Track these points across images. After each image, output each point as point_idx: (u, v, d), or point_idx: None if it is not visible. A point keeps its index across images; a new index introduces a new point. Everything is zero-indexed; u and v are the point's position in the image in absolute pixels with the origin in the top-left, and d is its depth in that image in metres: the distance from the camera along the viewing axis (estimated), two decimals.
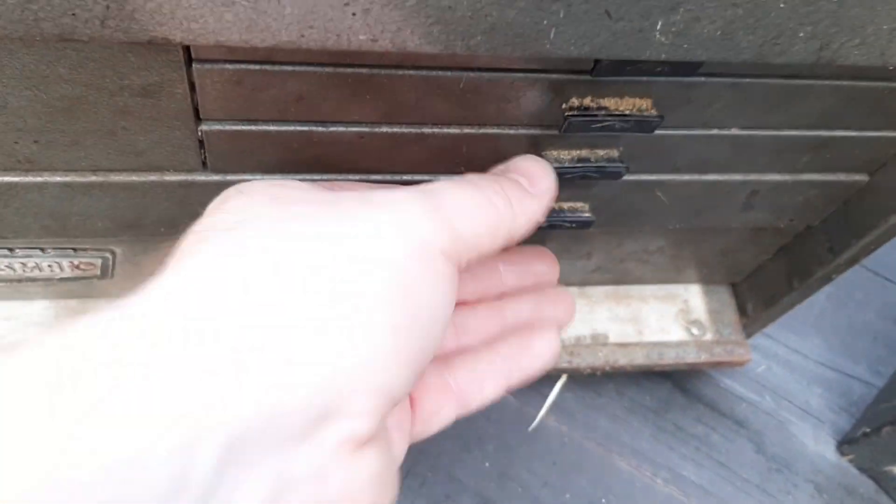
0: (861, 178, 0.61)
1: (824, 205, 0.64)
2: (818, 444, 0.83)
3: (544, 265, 0.54)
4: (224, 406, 0.29)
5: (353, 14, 0.36)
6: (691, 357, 0.74)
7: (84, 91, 0.42)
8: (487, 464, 0.74)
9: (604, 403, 0.81)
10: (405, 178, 0.53)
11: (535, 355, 0.47)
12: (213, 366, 0.30)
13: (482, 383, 0.46)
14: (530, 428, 0.77)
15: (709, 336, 0.76)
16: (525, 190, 0.45)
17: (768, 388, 0.86)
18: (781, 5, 0.37)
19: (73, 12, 0.34)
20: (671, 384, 0.84)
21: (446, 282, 0.37)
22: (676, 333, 0.75)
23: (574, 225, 0.58)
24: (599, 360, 0.72)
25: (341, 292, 0.34)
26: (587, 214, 0.59)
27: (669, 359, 0.73)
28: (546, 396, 0.80)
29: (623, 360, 0.73)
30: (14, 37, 0.35)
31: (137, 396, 0.28)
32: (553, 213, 0.58)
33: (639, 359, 0.73)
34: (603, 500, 0.75)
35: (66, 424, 0.27)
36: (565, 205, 0.59)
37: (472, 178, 0.44)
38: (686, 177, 0.58)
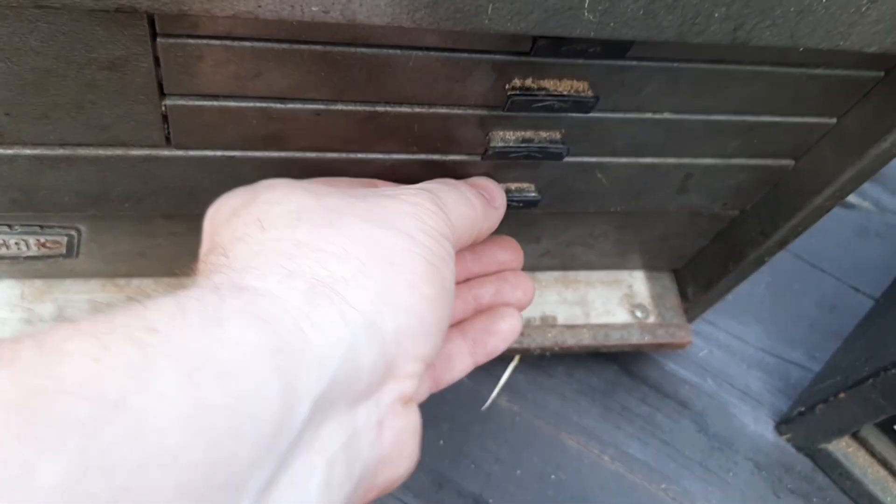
0: (787, 162, 0.66)
1: (755, 189, 0.68)
2: (757, 425, 0.87)
3: (508, 254, 0.59)
4: (319, 364, 0.34)
5: None
6: (635, 338, 0.78)
7: (54, 63, 0.45)
8: (442, 441, 0.77)
9: (554, 385, 0.85)
10: (360, 156, 0.57)
11: (499, 335, 0.52)
12: (309, 323, 0.35)
13: (451, 362, 0.51)
14: (483, 407, 0.81)
15: (652, 319, 0.79)
16: (488, 201, 0.53)
17: (710, 371, 0.90)
18: None
19: None
20: (618, 367, 0.88)
21: (452, 261, 0.44)
22: (621, 316, 0.79)
23: (521, 204, 0.62)
24: (549, 340, 0.76)
25: (396, 268, 0.40)
26: (533, 194, 0.62)
27: (615, 340, 0.77)
28: (498, 378, 0.83)
29: (571, 340, 0.76)
30: None
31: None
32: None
33: (585, 339, 0.76)
34: (552, 476, 0.78)
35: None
36: (513, 185, 0.62)
37: (454, 183, 0.52)
38: (623, 159, 0.62)
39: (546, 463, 0.79)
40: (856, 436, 0.82)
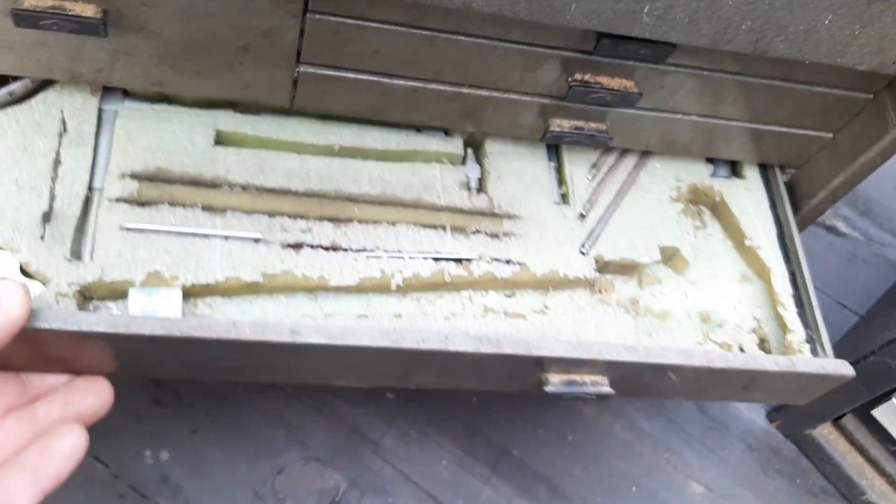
0: (790, 172, 0.78)
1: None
2: (751, 412, 0.98)
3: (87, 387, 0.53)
4: None
5: None
6: None
7: (222, 28, 0.57)
8: (475, 398, 0.88)
9: None
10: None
11: (59, 456, 0.47)
12: None
13: (11, 496, 0.46)
14: None
15: None
16: None
17: None
18: (730, 2, 0.54)
19: None
20: None
21: None
22: None
23: (596, 397, 0.63)
24: None
25: None
26: (606, 388, 0.63)
27: None
28: None
29: None
30: None
31: None
32: (577, 384, 0.63)
33: None
34: (570, 437, 0.89)
35: None
36: (587, 378, 0.63)
37: None
38: (696, 363, 0.63)
39: (564, 425, 0.90)
40: (837, 423, 0.93)
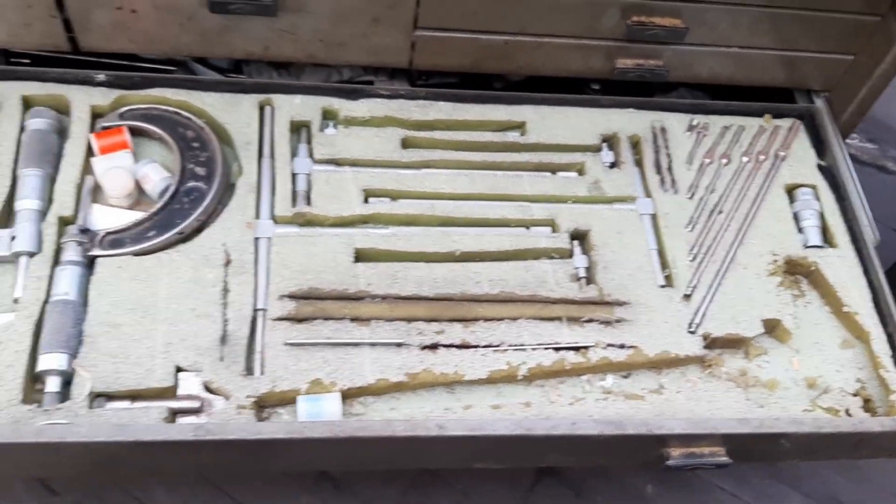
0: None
1: None
2: None
3: None
4: None
5: None
6: None
7: (361, 3, 0.72)
8: None
9: None
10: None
11: None
12: None
13: None
14: None
15: None
16: None
17: None
18: None
19: None
20: None
21: None
22: None
23: (714, 467, 0.68)
24: None
25: None
26: (724, 458, 0.67)
27: None
28: None
29: None
30: None
31: None
32: (696, 457, 0.67)
33: None
34: None
35: None
36: (707, 449, 0.67)
37: None
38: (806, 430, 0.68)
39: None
40: None
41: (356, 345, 0.70)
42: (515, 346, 0.72)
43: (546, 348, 0.72)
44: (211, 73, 0.92)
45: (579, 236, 0.81)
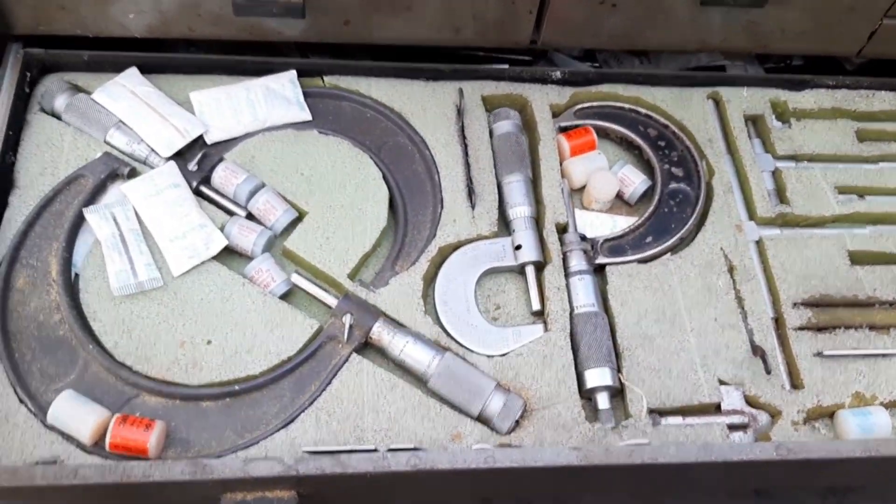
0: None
1: None
2: None
3: None
4: None
5: None
6: None
7: None
8: None
9: None
10: None
11: None
12: None
13: None
14: None
15: None
16: None
17: None
18: None
19: None
20: None
21: None
22: None
23: None
24: None
25: None
26: None
27: None
28: None
29: None
30: None
31: None
32: None
33: None
34: None
35: None
36: None
37: None
38: None
39: None
40: None
41: (885, 356, 0.67)
42: None
43: None
44: (576, 63, 0.89)
45: None
